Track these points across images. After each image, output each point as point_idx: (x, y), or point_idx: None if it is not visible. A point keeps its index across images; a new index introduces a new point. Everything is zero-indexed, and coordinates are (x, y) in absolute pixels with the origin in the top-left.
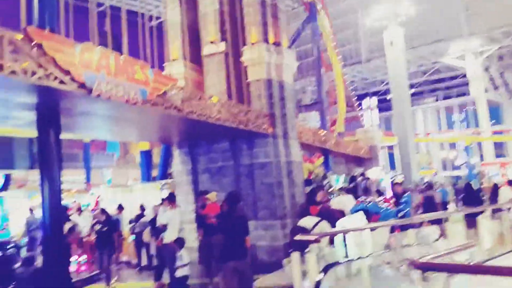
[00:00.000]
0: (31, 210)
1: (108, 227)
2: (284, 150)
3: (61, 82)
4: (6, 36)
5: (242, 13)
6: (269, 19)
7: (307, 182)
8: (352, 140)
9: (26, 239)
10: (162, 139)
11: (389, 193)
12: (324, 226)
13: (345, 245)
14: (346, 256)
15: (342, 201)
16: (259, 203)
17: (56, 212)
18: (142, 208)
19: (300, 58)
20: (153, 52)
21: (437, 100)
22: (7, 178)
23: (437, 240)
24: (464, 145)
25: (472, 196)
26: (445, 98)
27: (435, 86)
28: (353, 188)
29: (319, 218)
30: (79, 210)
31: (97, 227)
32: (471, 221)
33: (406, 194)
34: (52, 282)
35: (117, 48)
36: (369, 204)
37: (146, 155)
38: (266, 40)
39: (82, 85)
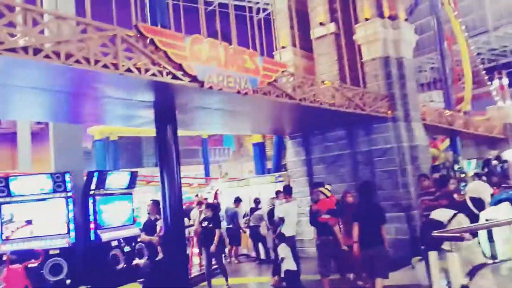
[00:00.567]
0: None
1: (213, 223)
2: (406, 134)
3: (174, 77)
4: (119, 33)
5: None
6: None
7: (434, 168)
8: (483, 119)
9: None
10: (274, 130)
11: None
12: (462, 219)
13: (492, 243)
14: (494, 256)
15: (479, 189)
16: (380, 192)
17: (176, 207)
18: (256, 201)
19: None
20: (262, 44)
21: None
22: (133, 176)
23: None
24: None
25: None
26: None
27: None
28: (487, 173)
29: (455, 211)
30: (199, 204)
31: (204, 223)
32: None
33: None
34: (172, 276)
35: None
36: None
37: (260, 148)
38: (380, 15)
39: (194, 79)
